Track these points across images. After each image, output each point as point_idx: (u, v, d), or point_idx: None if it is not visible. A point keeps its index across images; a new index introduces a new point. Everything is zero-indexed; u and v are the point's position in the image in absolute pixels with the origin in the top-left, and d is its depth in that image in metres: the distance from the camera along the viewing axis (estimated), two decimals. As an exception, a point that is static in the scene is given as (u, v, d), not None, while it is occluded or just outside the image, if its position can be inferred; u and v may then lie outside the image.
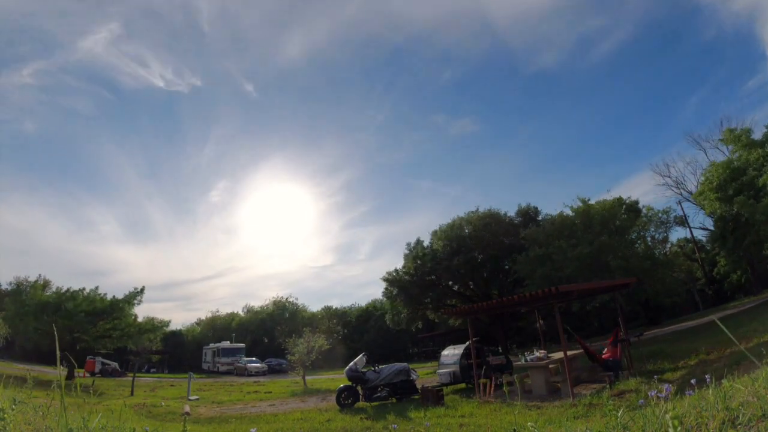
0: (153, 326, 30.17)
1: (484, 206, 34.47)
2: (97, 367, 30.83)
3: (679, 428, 2.08)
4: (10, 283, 31.68)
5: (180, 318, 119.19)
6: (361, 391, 12.95)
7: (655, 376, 8.76)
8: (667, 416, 2.19)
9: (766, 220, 20.53)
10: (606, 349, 11.60)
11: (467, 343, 14.47)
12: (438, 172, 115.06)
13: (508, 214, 32.33)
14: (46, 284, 28.95)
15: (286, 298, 55.54)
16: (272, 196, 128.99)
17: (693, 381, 3.68)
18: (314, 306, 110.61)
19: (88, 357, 31.27)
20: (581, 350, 11.85)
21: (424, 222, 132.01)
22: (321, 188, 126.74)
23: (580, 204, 25.39)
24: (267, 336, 50.81)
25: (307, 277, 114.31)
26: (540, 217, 31.53)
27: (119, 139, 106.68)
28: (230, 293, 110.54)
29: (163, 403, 14.06)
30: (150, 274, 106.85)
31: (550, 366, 11.42)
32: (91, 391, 8.04)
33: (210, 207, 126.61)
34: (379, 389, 12.91)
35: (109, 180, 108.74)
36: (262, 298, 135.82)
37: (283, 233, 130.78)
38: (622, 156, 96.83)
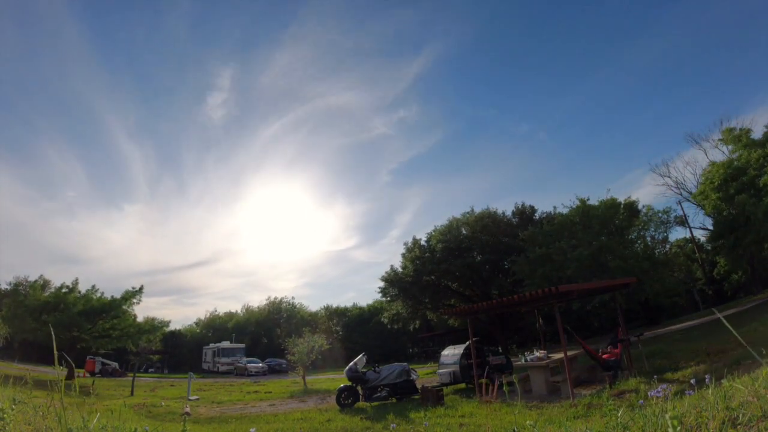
0: (152, 326, 30.25)
1: (479, 206, 34.62)
2: (97, 367, 30.76)
3: (678, 428, 2.07)
4: (9, 283, 31.71)
5: (177, 314, 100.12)
6: (361, 391, 12.94)
7: (655, 376, 8.76)
8: (667, 416, 2.19)
9: (767, 218, 20.56)
10: (601, 350, 11.59)
11: (467, 343, 14.46)
12: (508, 96, 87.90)
13: (505, 214, 32.43)
14: (45, 284, 28.93)
15: (282, 299, 56.09)
16: (300, 109, 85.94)
17: (693, 381, 3.68)
18: (323, 303, 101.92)
19: (87, 357, 31.24)
20: (581, 350, 11.85)
21: (482, 183, 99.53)
22: (385, 87, 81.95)
23: (578, 203, 25.41)
24: (267, 336, 50.89)
25: (323, 263, 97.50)
26: (536, 216, 31.56)
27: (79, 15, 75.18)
28: (233, 285, 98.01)
29: (163, 403, 14.05)
30: (133, 258, 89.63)
31: (550, 366, 11.42)
32: (91, 391, 8.03)
33: (205, 135, 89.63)
34: (379, 389, 12.90)
35: (66, 102, 79.38)
36: (271, 289, 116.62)
37: (311, 179, 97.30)
38: (621, 156, 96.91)
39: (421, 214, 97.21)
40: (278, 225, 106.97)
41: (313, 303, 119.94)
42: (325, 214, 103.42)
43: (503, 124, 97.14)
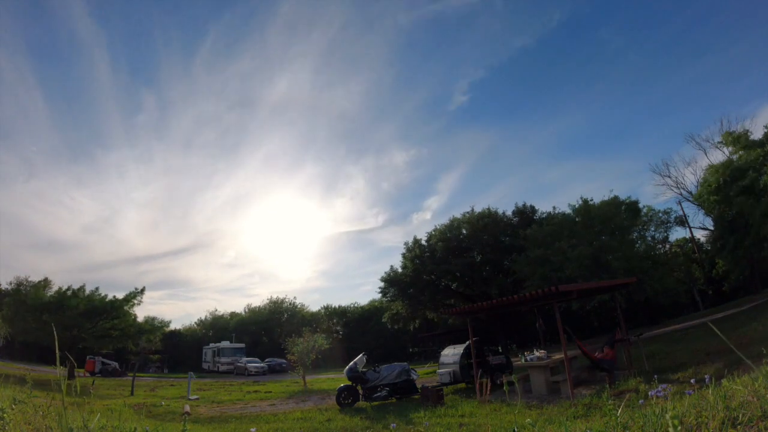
0: (153, 326, 30.30)
1: (479, 206, 34.62)
2: (97, 367, 30.84)
3: (678, 428, 2.07)
4: (10, 283, 31.75)
5: (176, 311, 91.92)
6: (361, 391, 12.94)
7: (655, 376, 8.75)
8: (667, 416, 2.19)
9: (766, 219, 20.59)
10: (598, 351, 11.60)
11: (467, 343, 14.47)
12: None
13: (506, 213, 32.45)
14: (46, 284, 28.98)
15: (284, 299, 56.08)
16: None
17: (693, 381, 3.68)
18: (336, 295, 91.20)
19: (88, 357, 31.30)
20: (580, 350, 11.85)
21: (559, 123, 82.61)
22: None
23: (581, 203, 25.43)
24: (267, 335, 50.91)
25: (343, 245, 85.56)
26: (537, 216, 31.57)
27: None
28: (237, 276, 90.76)
29: (163, 403, 14.05)
30: (117, 238, 76.97)
31: (550, 366, 11.42)
32: (91, 391, 8.05)
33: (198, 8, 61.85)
34: (379, 389, 12.90)
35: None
36: (280, 280, 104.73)
37: (347, 104, 73.55)
38: (621, 157, 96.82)
39: (471, 178, 76.98)
40: (290, 193, 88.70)
41: (326, 296, 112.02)
42: (352, 170, 79.66)
43: (594, 31, 76.68)
